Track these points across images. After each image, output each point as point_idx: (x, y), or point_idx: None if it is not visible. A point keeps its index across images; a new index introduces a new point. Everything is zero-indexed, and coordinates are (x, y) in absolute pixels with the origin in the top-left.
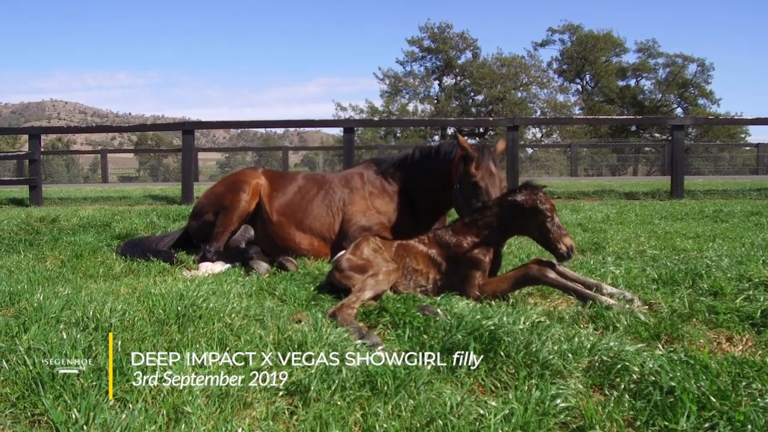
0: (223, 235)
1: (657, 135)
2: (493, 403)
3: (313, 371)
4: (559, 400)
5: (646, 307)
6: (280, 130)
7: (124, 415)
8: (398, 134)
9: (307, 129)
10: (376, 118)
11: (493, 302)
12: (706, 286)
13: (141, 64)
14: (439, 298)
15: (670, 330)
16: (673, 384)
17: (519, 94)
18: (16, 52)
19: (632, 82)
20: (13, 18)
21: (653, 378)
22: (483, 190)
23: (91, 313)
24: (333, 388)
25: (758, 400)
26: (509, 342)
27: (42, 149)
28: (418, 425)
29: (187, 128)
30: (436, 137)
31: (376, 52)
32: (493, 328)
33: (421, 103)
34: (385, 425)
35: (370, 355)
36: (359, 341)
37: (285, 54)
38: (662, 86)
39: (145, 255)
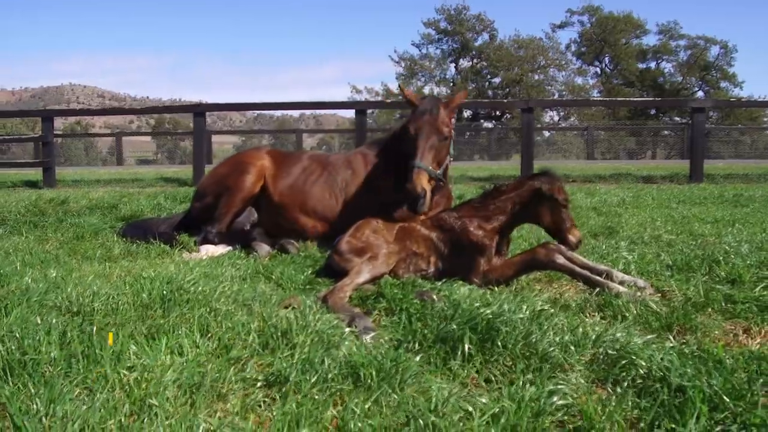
0: (226, 217)
1: (677, 119)
2: (484, 400)
3: (294, 361)
4: (555, 398)
5: (659, 295)
6: (296, 113)
7: (84, 407)
8: None
9: (321, 111)
10: (389, 101)
11: (496, 288)
12: (723, 273)
13: (158, 48)
14: (440, 283)
15: (682, 320)
16: (683, 382)
17: (536, 77)
18: (36, 35)
19: (652, 65)
20: (33, 2)
21: (661, 374)
22: (413, 140)
23: (74, 296)
24: (313, 380)
25: None
26: (507, 332)
27: (61, 132)
28: (396, 425)
29: (199, 111)
30: (453, 120)
31: (392, 35)
32: (490, 317)
33: (437, 86)
34: (360, 424)
35: (358, 342)
36: (349, 327)
37: (302, 37)
38: (683, 69)
39: (146, 237)
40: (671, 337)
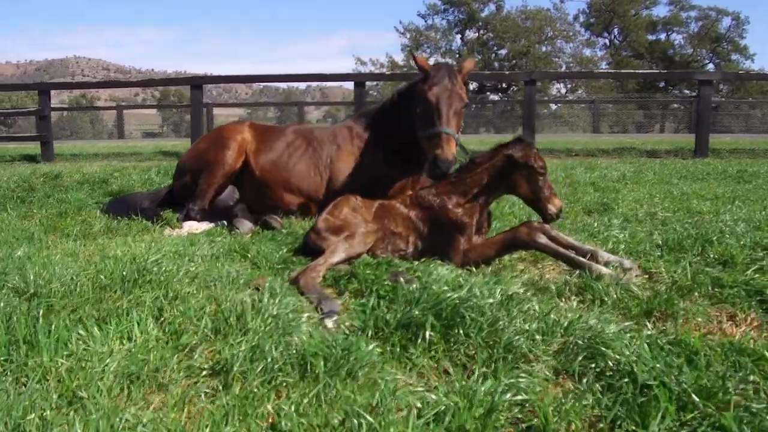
0: (207, 194)
1: (686, 91)
2: (433, 396)
3: (242, 348)
4: (509, 394)
5: (646, 276)
6: (302, 86)
7: (5, 399)
8: None
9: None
10: (389, 72)
11: (474, 269)
12: (715, 254)
13: (163, 20)
14: (416, 263)
15: (664, 306)
16: (649, 378)
17: (543, 49)
18: (40, 7)
19: (662, 37)
20: None
21: (629, 368)
22: (434, 106)
23: (31, 277)
24: (258, 370)
25: (752, 401)
26: (472, 319)
27: (66, 105)
28: (331, 424)
29: (195, 83)
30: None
31: (399, 6)
32: (457, 302)
33: (443, 57)
34: (289, 423)
35: (318, 328)
36: (316, 310)
37: (308, 9)
38: (694, 41)
39: (129, 213)
40: (649, 325)
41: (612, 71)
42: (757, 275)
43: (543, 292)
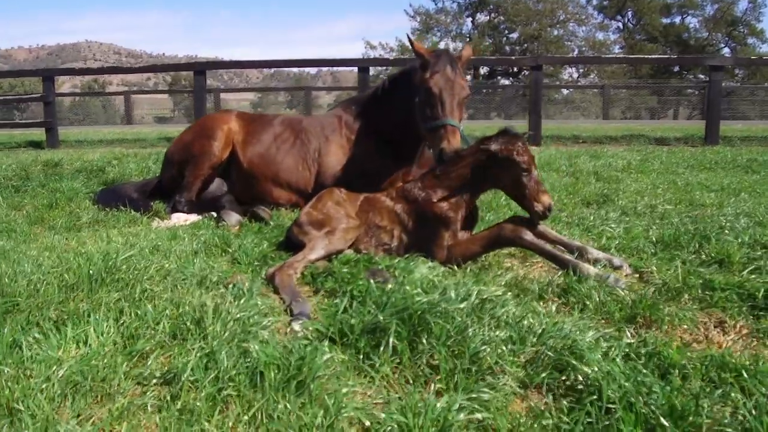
0: (194, 185)
1: (701, 76)
2: (383, 415)
3: (194, 356)
4: (464, 414)
5: (637, 275)
6: (312, 70)
7: None
8: None
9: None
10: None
11: (455, 267)
12: (712, 252)
13: (174, 3)
14: (397, 260)
15: (649, 311)
16: (615, 398)
17: (555, 32)
18: None
19: (677, 20)
20: None
21: (598, 384)
22: (437, 97)
23: None
24: (208, 380)
25: (725, 426)
26: (440, 326)
27: (79, 90)
28: None
29: (198, 69)
30: (468, 77)
31: None
32: (426, 306)
33: (453, 41)
34: None
35: (278, 332)
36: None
37: None
38: (709, 24)
39: (118, 203)
40: (630, 332)
41: (620, 56)
42: (753, 276)
43: (524, 294)
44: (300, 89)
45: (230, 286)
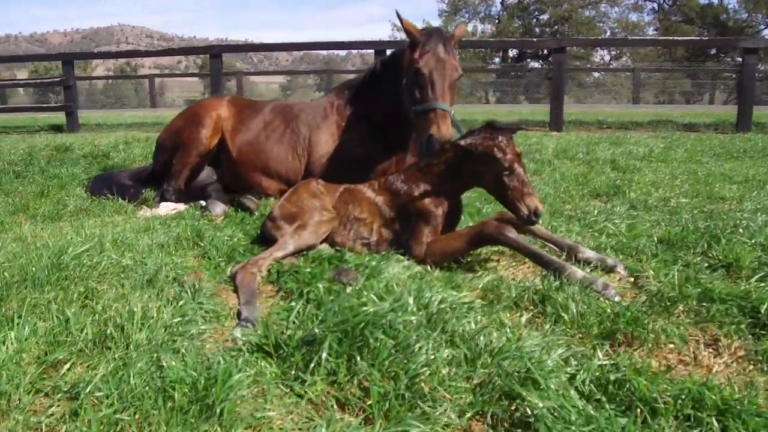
0: (182, 174)
1: (739, 59)
2: None
3: (101, 368)
4: None
5: (631, 279)
6: (342, 52)
7: None
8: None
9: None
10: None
11: (429, 268)
12: (720, 254)
13: None
14: (368, 258)
15: (631, 326)
16: None
17: (587, 14)
18: None
19: (715, 0)
20: None
21: (545, 421)
22: (427, 78)
23: None
24: (114, 397)
25: None
26: (380, 341)
27: (111, 74)
28: None
29: (215, 52)
30: (497, 59)
31: None
32: (370, 317)
33: (482, 23)
34: None
35: (226, 340)
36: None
37: None
38: (749, 5)
39: (110, 191)
40: (606, 352)
41: (648, 38)
42: (762, 284)
43: (498, 301)
44: (323, 72)
45: (184, 284)
